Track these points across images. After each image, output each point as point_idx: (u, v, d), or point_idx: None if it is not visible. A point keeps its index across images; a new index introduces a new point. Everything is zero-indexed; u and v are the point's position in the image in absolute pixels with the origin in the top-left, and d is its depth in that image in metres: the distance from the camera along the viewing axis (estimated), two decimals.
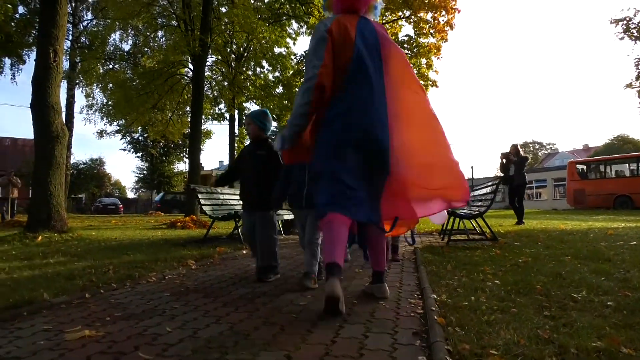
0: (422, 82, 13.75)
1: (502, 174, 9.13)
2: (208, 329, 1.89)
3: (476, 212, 5.30)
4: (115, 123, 18.70)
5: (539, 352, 1.46)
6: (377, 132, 2.24)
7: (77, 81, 19.66)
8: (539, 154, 62.23)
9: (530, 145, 62.96)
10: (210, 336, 1.77)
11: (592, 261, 3.28)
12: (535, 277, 2.75)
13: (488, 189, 5.45)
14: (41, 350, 1.61)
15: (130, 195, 50.84)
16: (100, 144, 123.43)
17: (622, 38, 16.46)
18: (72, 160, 29.15)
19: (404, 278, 3.17)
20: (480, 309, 2.04)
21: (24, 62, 19.72)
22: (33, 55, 17.79)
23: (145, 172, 41.02)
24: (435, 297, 2.33)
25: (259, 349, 1.62)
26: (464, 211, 5.73)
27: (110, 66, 17.67)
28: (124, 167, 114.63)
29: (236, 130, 19.73)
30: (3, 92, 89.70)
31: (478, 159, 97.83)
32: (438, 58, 13.93)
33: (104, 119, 18.22)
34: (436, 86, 14.31)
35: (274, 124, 21.14)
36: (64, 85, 17.26)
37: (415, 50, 13.89)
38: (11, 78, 23.25)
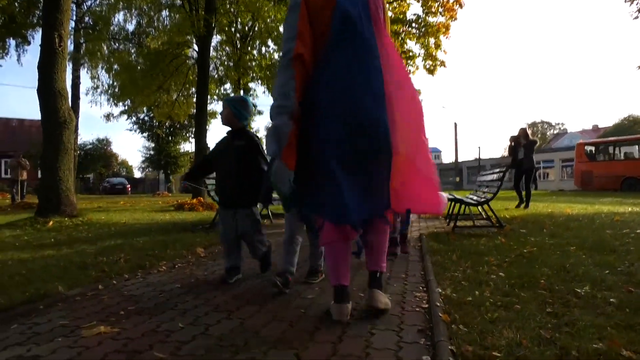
0: (430, 62, 13.40)
1: (511, 157, 9.15)
2: (219, 325, 1.95)
3: (483, 199, 5.30)
4: (121, 104, 18.62)
5: (540, 354, 1.50)
6: (369, 106, 1.95)
7: (82, 62, 19.54)
8: (548, 133, 61.57)
9: (539, 125, 62.31)
10: (222, 333, 1.83)
11: (597, 252, 3.30)
12: (539, 269, 2.78)
13: (495, 176, 5.43)
14: (60, 348, 1.68)
15: (138, 174, 51.32)
16: (106, 124, 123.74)
17: (636, 17, 15.98)
18: (79, 141, 29.29)
19: (409, 268, 3.22)
20: (484, 305, 2.07)
21: (28, 43, 19.50)
22: (37, 35, 17.69)
23: (151, 152, 41.24)
24: (440, 290, 2.38)
25: (268, 347, 1.68)
26: (471, 197, 5.73)
27: (115, 47, 17.52)
28: (130, 146, 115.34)
29: None
30: (9, 73, 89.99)
31: (485, 139, 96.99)
32: (447, 37, 13.65)
33: (110, 100, 18.21)
34: (444, 66, 14.07)
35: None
36: (69, 66, 17.14)
37: (423, 29, 13.61)
38: (17, 59, 23.16)
